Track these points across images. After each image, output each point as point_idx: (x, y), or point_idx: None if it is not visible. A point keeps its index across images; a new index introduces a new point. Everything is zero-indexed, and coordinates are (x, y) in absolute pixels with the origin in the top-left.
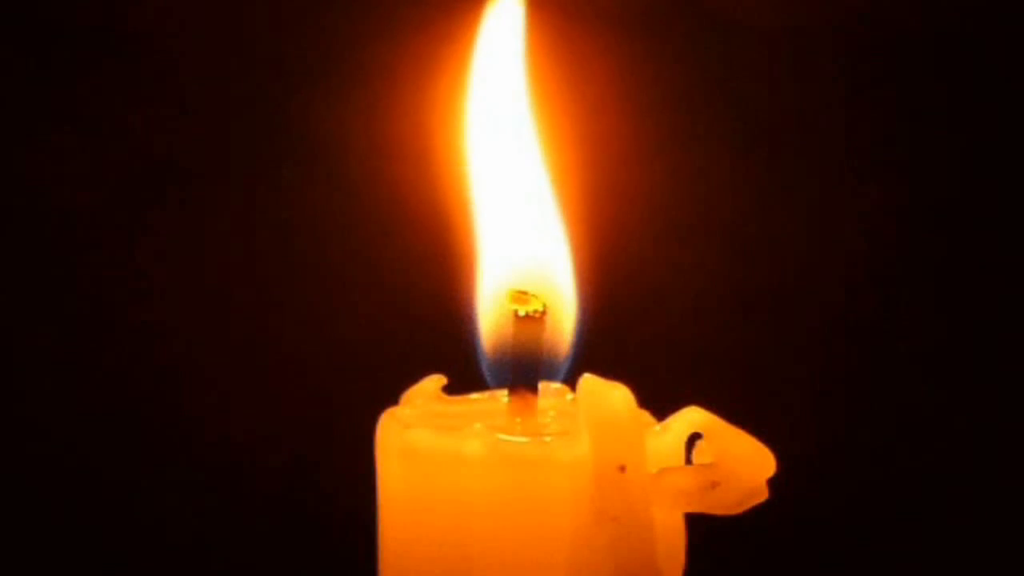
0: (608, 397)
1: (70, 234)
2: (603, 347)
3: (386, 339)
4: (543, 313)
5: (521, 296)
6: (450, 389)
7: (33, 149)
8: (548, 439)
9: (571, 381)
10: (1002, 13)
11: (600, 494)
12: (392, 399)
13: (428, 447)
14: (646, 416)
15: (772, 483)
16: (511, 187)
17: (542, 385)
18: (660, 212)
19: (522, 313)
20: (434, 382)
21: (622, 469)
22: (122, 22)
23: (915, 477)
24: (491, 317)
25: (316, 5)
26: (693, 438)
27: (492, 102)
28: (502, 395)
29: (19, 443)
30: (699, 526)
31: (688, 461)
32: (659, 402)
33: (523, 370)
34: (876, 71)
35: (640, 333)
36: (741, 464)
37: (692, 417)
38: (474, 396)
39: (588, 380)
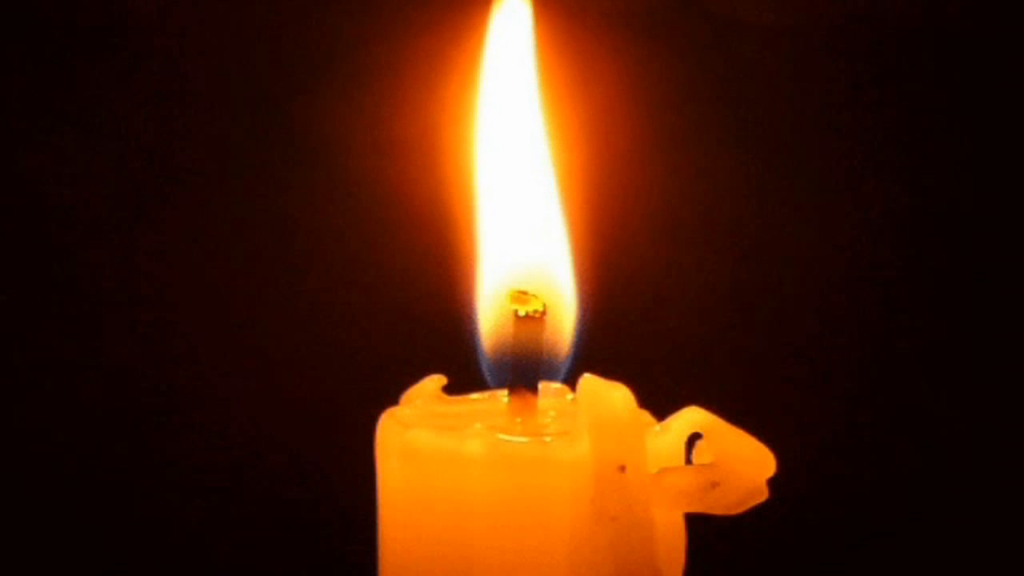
0: (608, 397)
1: (70, 234)
2: (603, 347)
3: (386, 339)
4: (543, 313)
5: (521, 296)
6: (450, 389)
7: (33, 149)
8: (548, 439)
9: (571, 381)
10: (1002, 13)
11: (600, 494)
12: (392, 399)
13: (428, 447)
14: (646, 416)
15: (772, 483)
16: (514, 187)
17: (542, 385)
18: (660, 212)
19: (522, 313)
20: (434, 382)
21: (622, 469)
22: (122, 22)
23: (915, 477)
24: (491, 317)
25: (316, 5)
26: (693, 438)
27: (498, 102)
28: (502, 395)
29: (19, 443)
30: (699, 526)
31: (688, 461)
32: (659, 402)
33: (523, 370)
34: (876, 71)
35: (640, 333)
36: (741, 464)
37: (692, 417)
38: (474, 396)
39: (588, 380)
